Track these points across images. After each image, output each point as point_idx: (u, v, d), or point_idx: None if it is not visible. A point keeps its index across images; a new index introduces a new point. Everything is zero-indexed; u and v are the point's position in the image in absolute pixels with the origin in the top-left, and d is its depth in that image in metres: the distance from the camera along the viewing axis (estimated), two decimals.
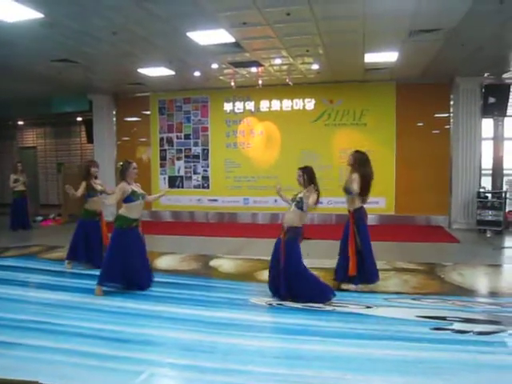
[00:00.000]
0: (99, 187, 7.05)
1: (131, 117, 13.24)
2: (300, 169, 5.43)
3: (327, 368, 3.65)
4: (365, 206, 5.96)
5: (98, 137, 12.97)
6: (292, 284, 5.22)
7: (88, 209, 7.06)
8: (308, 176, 5.32)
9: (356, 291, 5.71)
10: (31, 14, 5.94)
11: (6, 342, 4.27)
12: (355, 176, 5.71)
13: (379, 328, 4.48)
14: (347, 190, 5.79)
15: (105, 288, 5.78)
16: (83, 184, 6.93)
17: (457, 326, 4.48)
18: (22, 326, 4.68)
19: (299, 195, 5.30)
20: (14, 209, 11.23)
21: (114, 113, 13.08)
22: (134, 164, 5.88)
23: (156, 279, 6.16)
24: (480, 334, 4.28)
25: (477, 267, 6.92)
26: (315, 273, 5.55)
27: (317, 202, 5.29)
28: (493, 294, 5.74)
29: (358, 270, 5.83)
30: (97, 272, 6.07)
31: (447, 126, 10.94)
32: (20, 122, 16.46)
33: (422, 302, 5.26)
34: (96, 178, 7.14)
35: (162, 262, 7.46)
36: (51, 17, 6.11)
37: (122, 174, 5.79)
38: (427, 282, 6.11)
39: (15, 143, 17.05)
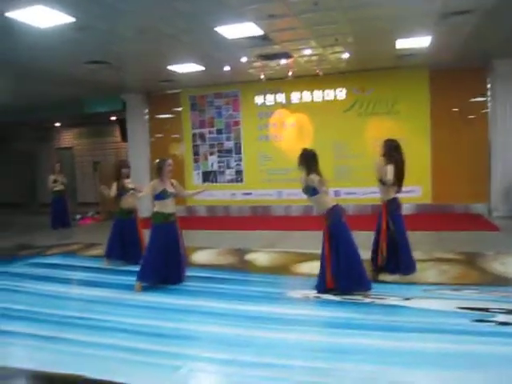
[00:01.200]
0: (130, 185, 7.22)
1: (163, 114, 13.41)
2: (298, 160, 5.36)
3: (367, 362, 3.61)
4: (400, 195, 5.89)
5: (132, 135, 13.22)
6: (335, 269, 5.15)
7: (122, 207, 7.24)
8: (304, 160, 5.30)
9: (394, 282, 5.63)
10: (64, 19, 6.08)
11: (52, 337, 4.44)
12: (389, 165, 5.63)
13: (419, 320, 4.39)
14: (382, 181, 5.72)
15: (143, 284, 5.90)
16: (114, 184, 7.17)
17: (500, 317, 4.34)
18: (65, 322, 4.85)
19: (304, 184, 5.29)
20: (54, 208, 11.55)
21: (147, 111, 13.28)
22: (169, 161, 5.99)
23: (193, 274, 6.26)
24: None
25: None
26: None
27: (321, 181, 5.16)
28: None
29: (395, 261, 5.78)
30: (134, 268, 6.20)
31: (484, 111, 10.60)
32: (57, 124, 16.91)
33: (462, 293, 5.12)
34: (128, 177, 7.31)
35: (199, 257, 7.54)
36: (82, 20, 6.23)
37: (157, 172, 5.91)
38: (467, 272, 5.94)
39: (53, 144, 17.51)
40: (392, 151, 5.74)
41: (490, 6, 6.29)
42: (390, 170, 5.62)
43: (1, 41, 6.93)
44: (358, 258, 5.23)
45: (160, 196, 5.84)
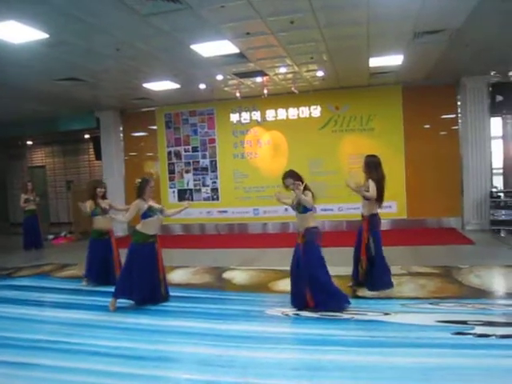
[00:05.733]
0: (103, 205, 7.04)
1: (138, 132, 13.31)
2: (286, 177, 5.31)
3: (349, 378, 3.58)
4: (378, 210, 5.97)
5: (106, 153, 13.05)
6: (310, 288, 5.16)
7: (95, 228, 7.11)
8: (296, 176, 5.25)
9: (372, 298, 5.64)
10: (37, 35, 5.99)
11: (24, 363, 4.25)
12: (370, 181, 5.71)
13: (399, 335, 4.39)
14: (365, 197, 5.78)
15: (119, 304, 5.76)
16: (88, 202, 7.02)
17: (478, 329, 4.38)
18: (38, 347, 4.66)
19: (295, 201, 5.30)
20: (26, 228, 11.27)
21: (121, 129, 13.17)
22: (152, 182, 5.93)
23: (170, 293, 6.12)
24: (503, 337, 4.18)
25: (494, 268, 6.82)
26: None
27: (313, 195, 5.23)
28: None
29: (372, 277, 5.82)
30: (109, 289, 6.05)
31: (455, 127, 10.87)
32: (29, 142, 16.60)
33: (440, 307, 5.16)
34: (103, 197, 7.14)
35: (175, 276, 7.41)
36: (56, 36, 6.16)
37: (138, 191, 5.79)
38: (444, 286, 5.99)
39: (25, 163, 17.17)
40: (372, 167, 5.82)
41: (459, 25, 6.49)
42: (372, 185, 5.70)
43: None
44: (328, 279, 5.22)
45: (147, 214, 5.73)
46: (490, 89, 10.30)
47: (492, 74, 10.09)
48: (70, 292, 6.90)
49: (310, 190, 5.24)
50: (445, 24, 6.55)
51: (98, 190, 7.10)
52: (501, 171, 11.02)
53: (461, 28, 6.62)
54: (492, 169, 10.63)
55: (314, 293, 5.16)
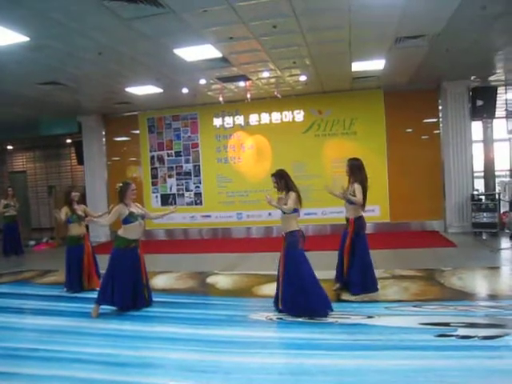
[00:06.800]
0: (79, 212, 6.99)
1: (121, 136, 13.20)
2: (272, 175, 5.40)
3: (333, 382, 3.58)
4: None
5: (88, 158, 12.91)
6: (290, 294, 5.14)
7: (70, 235, 7.04)
8: (282, 179, 5.30)
9: (356, 301, 5.65)
10: (17, 38, 5.90)
11: (3, 373, 4.15)
12: (356, 185, 5.74)
13: (383, 338, 4.40)
14: (350, 201, 5.80)
15: (101, 310, 5.69)
16: (64, 209, 6.99)
17: (461, 331, 4.41)
18: (18, 355, 4.57)
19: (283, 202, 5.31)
20: (6, 234, 11.09)
21: (104, 133, 13.03)
22: (133, 185, 5.86)
23: (153, 299, 6.06)
24: (485, 338, 4.22)
25: (476, 270, 6.90)
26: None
27: (297, 200, 5.22)
28: (494, 296, 5.68)
29: (359, 280, 5.83)
30: (91, 295, 5.98)
31: (437, 131, 11.00)
32: (9, 147, 16.37)
33: (423, 309, 5.20)
34: (78, 202, 7.10)
35: (158, 281, 7.35)
36: (37, 40, 6.07)
37: (120, 196, 5.75)
38: (427, 288, 6.04)
39: (5, 168, 16.92)
40: (356, 170, 5.86)
41: (439, 30, 6.58)
42: (357, 188, 5.74)
43: None
44: (309, 286, 5.15)
45: (128, 220, 5.68)
46: (471, 93, 10.44)
47: (472, 78, 10.25)
48: (51, 299, 6.80)
49: (296, 191, 5.23)
50: (425, 29, 6.63)
51: (73, 194, 7.07)
52: (482, 174, 11.20)
53: (441, 33, 6.70)
54: (473, 172, 10.76)
55: (290, 296, 5.14)
